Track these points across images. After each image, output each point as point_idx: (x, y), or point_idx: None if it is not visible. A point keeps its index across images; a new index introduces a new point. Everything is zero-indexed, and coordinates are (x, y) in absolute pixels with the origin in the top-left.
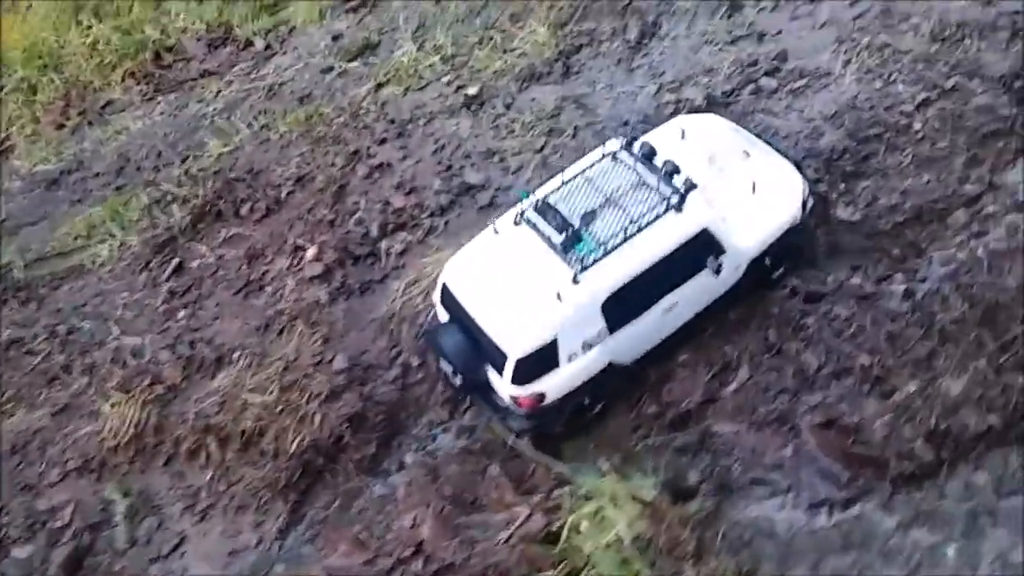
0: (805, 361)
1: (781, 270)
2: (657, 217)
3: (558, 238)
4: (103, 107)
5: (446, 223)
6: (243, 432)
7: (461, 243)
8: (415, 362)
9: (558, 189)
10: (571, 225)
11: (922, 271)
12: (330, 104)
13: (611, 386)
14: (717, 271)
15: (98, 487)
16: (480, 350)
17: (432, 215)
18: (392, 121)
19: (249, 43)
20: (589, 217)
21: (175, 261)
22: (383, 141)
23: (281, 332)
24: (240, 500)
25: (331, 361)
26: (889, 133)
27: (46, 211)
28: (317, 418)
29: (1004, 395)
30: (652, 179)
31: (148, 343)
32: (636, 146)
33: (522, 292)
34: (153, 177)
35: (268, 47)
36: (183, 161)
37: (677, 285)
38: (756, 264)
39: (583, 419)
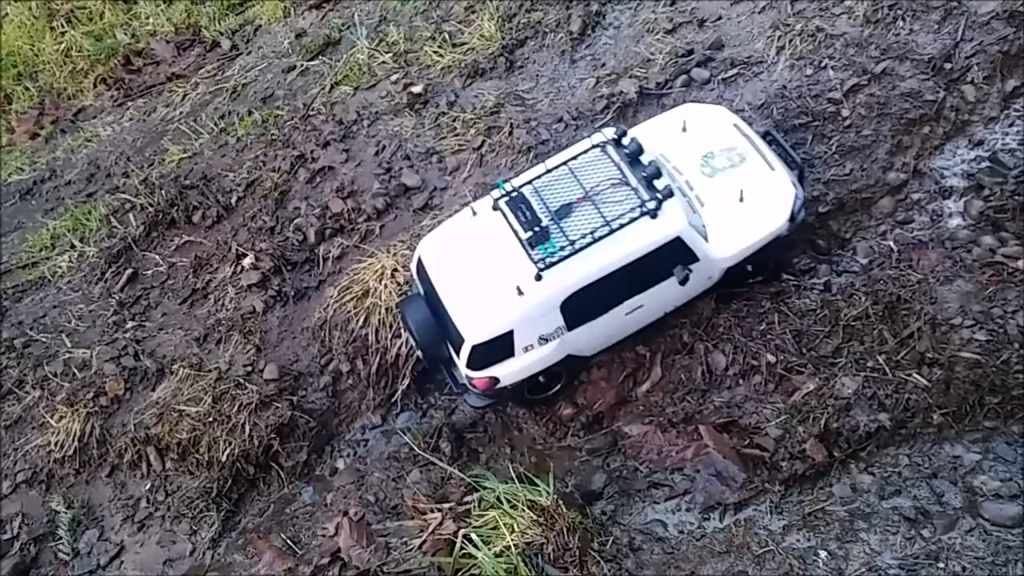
0: (714, 361)
1: (759, 278)
2: (630, 221)
3: (524, 234)
4: (75, 114)
5: (381, 227)
6: (179, 443)
7: (394, 246)
8: (346, 368)
9: (538, 178)
10: (539, 222)
11: (844, 263)
12: (288, 105)
13: (570, 370)
14: (683, 281)
15: (46, 498)
16: (443, 327)
17: (368, 219)
18: (340, 122)
19: (216, 44)
20: (562, 212)
21: (128, 271)
22: (327, 144)
23: (219, 342)
24: (176, 510)
25: (262, 370)
26: (817, 122)
27: (20, 221)
28: (247, 428)
29: (897, 393)
30: (633, 180)
31: (96, 355)
32: (626, 140)
33: (487, 279)
34: (120, 184)
35: (234, 47)
36: (145, 168)
37: (643, 290)
38: (732, 271)
39: (540, 396)
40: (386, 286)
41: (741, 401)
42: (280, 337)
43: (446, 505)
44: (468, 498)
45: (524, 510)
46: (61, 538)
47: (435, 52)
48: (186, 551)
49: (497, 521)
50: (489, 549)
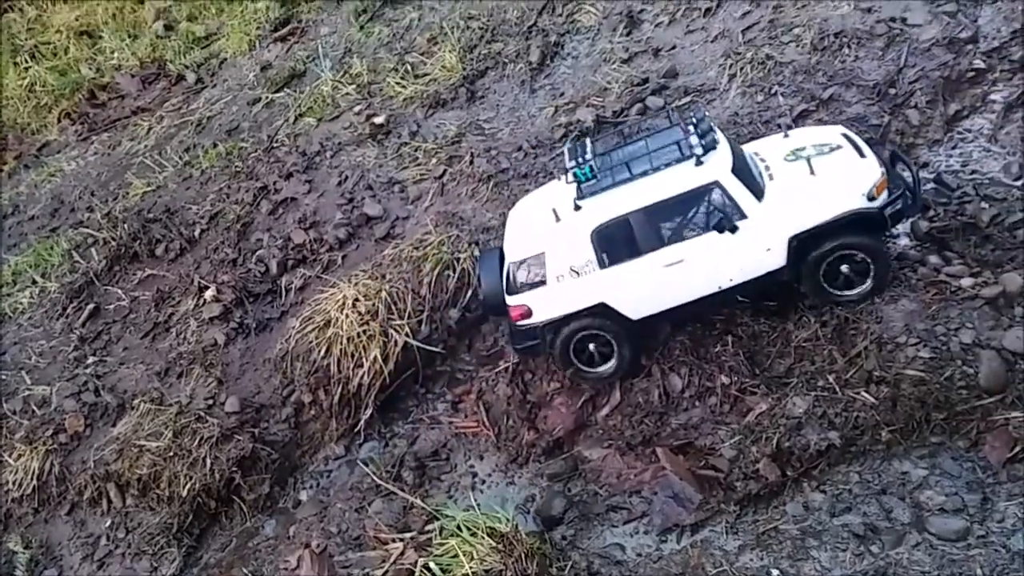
0: (671, 383)
1: (864, 283)
2: (672, 163)
3: (569, 163)
4: (40, 149)
5: (344, 257)
6: (139, 478)
7: (356, 276)
8: (308, 399)
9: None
10: (586, 154)
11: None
12: (253, 137)
13: (621, 342)
14: (723, 227)
15: (3, 538)
16: (502, 273)
17: (331, 249)
18: (303, 154)
19: (181, 77)
20: (615, 157)
21: (90, 306)
22: (290, 175)
23: (180, 375)
24: (137, 547)
25: (223, 403)
26: None
27: None
28: (208, 461)
29: (846, 411)
30: (685, 136)
31: (56, 392)
32: (695, 114)
33: (539, 216)
34: (84, 219)
35: (199, 80)
36: (109, 202)
37: (683, 238)
38: (806, 256)
39: (592, 373)
40: (347, 316)
41: (698, 423)
42: (242, 369)
43: (408, 535)
44: (429, 527)
45: (484, 537)
46: None
47: (398, 83)
48: None
49: (456, 549)
50: None
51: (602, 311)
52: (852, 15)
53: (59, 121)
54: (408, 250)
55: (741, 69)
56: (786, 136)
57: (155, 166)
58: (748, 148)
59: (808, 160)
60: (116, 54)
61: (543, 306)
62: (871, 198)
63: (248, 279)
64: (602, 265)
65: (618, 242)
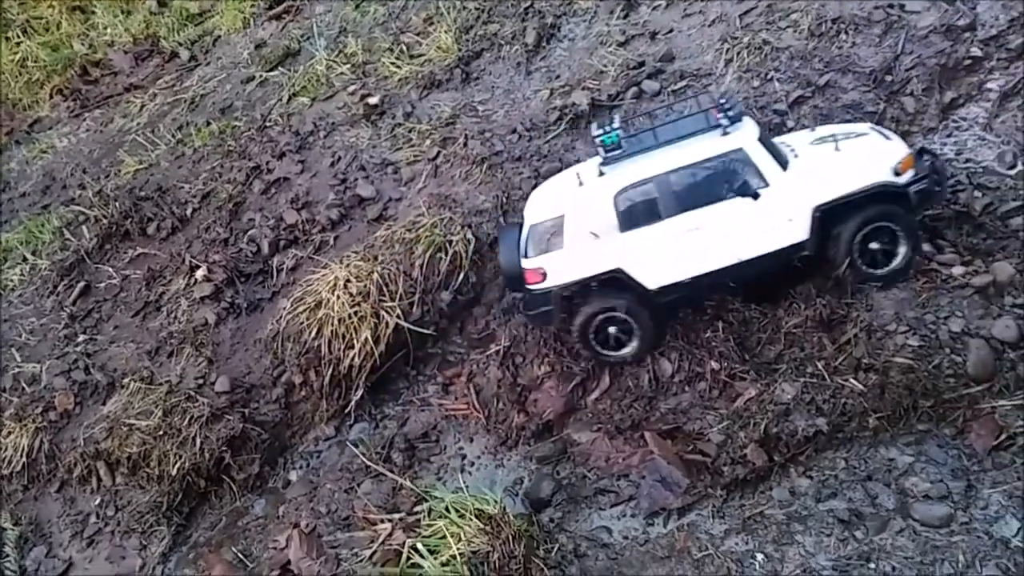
0: (661, 368)
1: (898, 257)
2: (698, 132)
3: (597, 132)
4: (31, 125)
5: (336, 238)
6: (129, 457)
7: (348, 257)
8: (298, 380)
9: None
10: (613, 123)
11: None
12: (246, 116)
13: (640, 321)
14: (743, 190)
15: None
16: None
17: (323, 230)
18: (296, 133)
19: (174, 55)
20: (639, 125)
21: (81, 284)
22: (283, 155)
23: (171, 355)
24: (126, 524)
25: (214, 383)
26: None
27: None
28: (197, 441)
29: (834, 398)
30: (713, 111)
31: (46, 369)
32: (724, 99)
33: (562, 185)
34: (76, 196)
35: (193, 58)
36: (101, 179)
37: (704, 203)
38: (831, 232)
39: (612, 355)
40: (339, 297)
41: (687, 407)
42: (232, 349)
43: (396, 515)
44: (418, 508)
45: (472, 519)
46: (7, 556)
47: (392, 63)
48: (136, 566)
49: (444, 531)
50: (436, 559)
51: (618, 280)
52: (849, 2)
53: (51, 97)
54: (401, 232)
55: (738, 54)
56: (812, 130)
57: (147, 144)
58: (775, 140)
59: (834, 141)
60: (109, 30)
61: (559, 269)
62: (897, 173)
63: (240, 259)
64: (621, 229)
65: (639, 206)
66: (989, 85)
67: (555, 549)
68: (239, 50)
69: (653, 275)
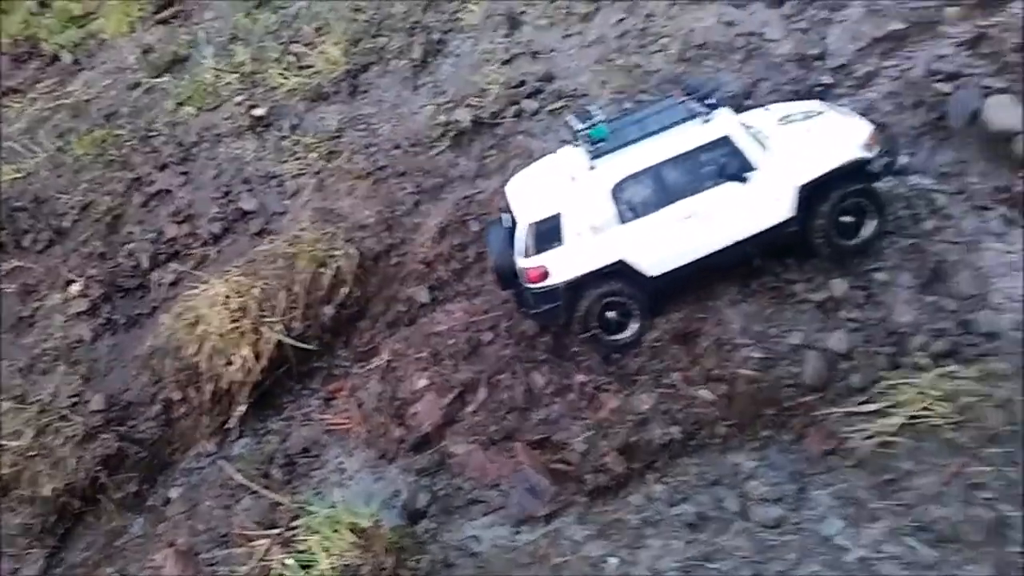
0: (533, 380)
1: (866, 227)
2: (682, 121)
3: (580, 126)
4: None
5: (218, 252)
6: (1, 478)
7: (229, 272)
8: (178, 396)
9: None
10: (593, 116)
11: None
12: (130, 124)
13: (639, 303)
14: (735, 175)
15: None
16: (511, 241)
17: (204, 244)
18: (180, 144)
19: (56, 58)
20: (621, 119)
21: None
22: (165, 166)
23: (44, 372)
24: None
25: (88, 401)
26: None
27: None
28: (71, 461)
29: (688, 408)
30: (690, 103)
31: None
32: (694, 86)
33: (550, 180)
34: None
35: (76, 62)
36: None
37: (696, 191)
38: (818, 206)
39: (613, 341)
40: (218, 313)
41: (556, 418)
42: (109, 366)
43: (274, 531)
44: (295, 523)
45: (345, 533)
46: None
47: (281, 74)
48: None
49: (317, 546)
50: (308, 573)
51: (620, 270)
52: (716, 28)
53: None
54: (283, 247)
55: (612, 76)
56: (767, 109)
57: (25, 151)
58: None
59: (801, 121)
60: None
61: (561, 266)
62: (866, 148)
63: (118, 273)
64: (620, 221)
65: (635, 198)
66: None
67: (426, 560)
68: (125, 54)
69: (653, 263)
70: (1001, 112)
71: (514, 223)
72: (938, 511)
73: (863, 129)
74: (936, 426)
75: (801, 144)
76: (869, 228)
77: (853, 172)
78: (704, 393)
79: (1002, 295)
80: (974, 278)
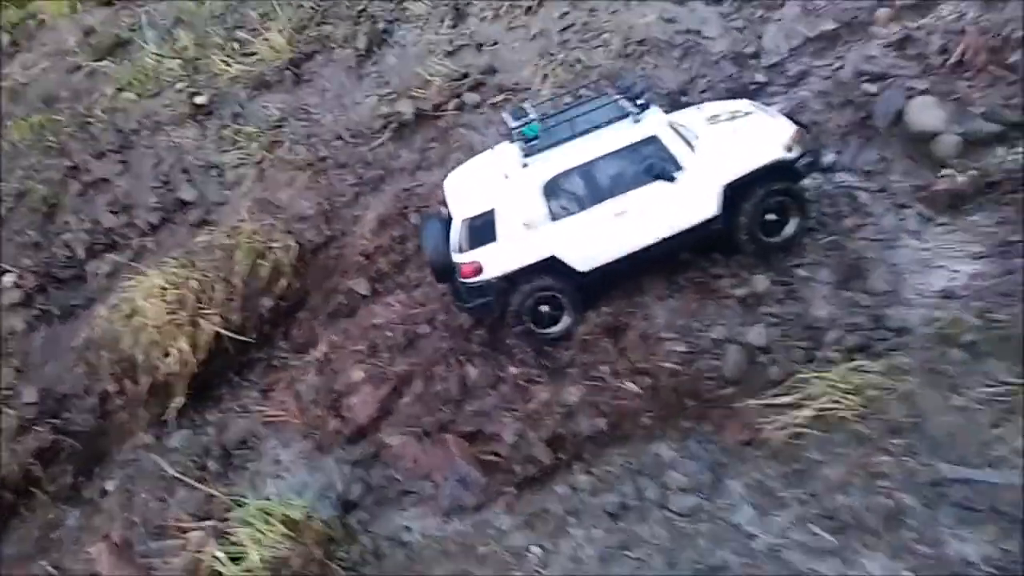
0: (467, 372)
1: (790, 224)
2: (613, 120)
3: (514, 124)
4: None
5: (156, 243)
6: None
7: (167, 263)
8: (114, 388)
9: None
10: (529, 115)
11: None
12: (69, 110)
13: (571, 298)
14: (662, 174)
15: None
16: (447, 236)
17: (142, 234)
18: (120, 131)
19: None
20: (554, 117)
21: None
22: (103, 155)
23: None
24: None
25: (22, 394)
26: None
27: None
28: (4, 454)
29: (614, 399)
30: (622, 101)
31: None
32: (628, 84)
33: (484, 177)
34: None
35: (14, 43)
36: None
37: (626, 189)
38: (738, 206)
39: (547, 332)
40: (155, 304)
41: (489, 410)
42: (44, 358)
43: (208, 523)
44: (230, 515)
45: (277, 525)
46: None
47: (224, 61)
48: None
49: (248, 538)
50: (237, 565)
51: (552, 265)
52: (656, 24)
53: None
54: (222, 237)
55: (553, 70)
56: (699, 108)
57: None
58: (668, 117)
59: (728, 121)
60: None
61: (495, 261)
62: (788, 149)
63: (53, 264)
64: (552, 218)
65: (567, 196)
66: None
67: (356, 551)
68: (66, 36)
69: (584, 259)
70: (923, 113)
71: (451, 217)
72: (842, 500)
73: (786, 129)
74: (844, 418)
75: (727, 144)
76: (792, 226)
77: (777, 171)
78: (630, 385)
79: (914, 291)
80: (889, 275)
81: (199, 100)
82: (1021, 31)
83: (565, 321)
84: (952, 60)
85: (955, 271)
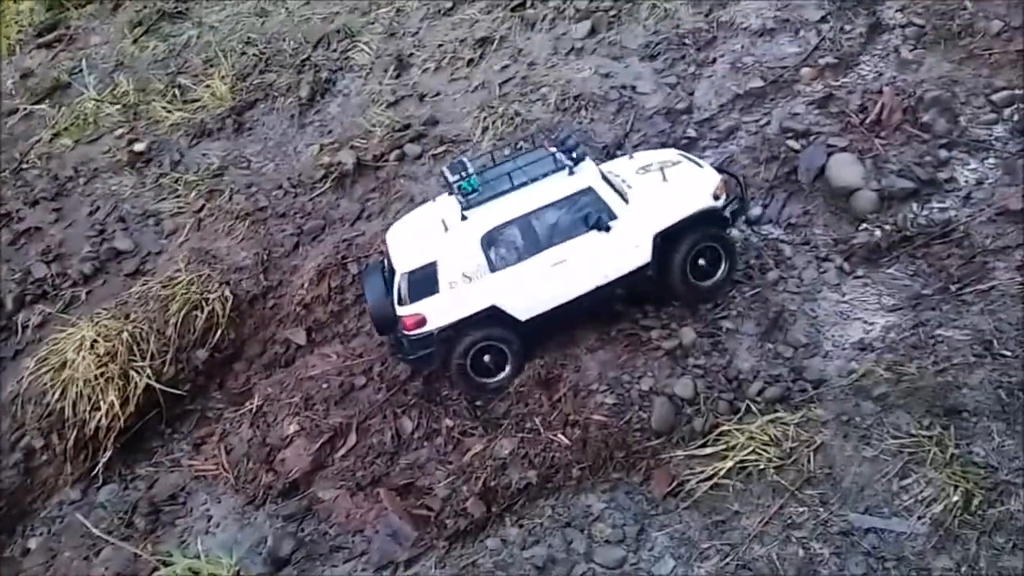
0: (402, 425)
1: (719, 270)
2: (549, 173)
3: (453, 178)
4: None
5: (88, 293)
6: None
7: (98, 315)
8: (39, 443)
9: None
10: (467, 169)
11: None
12: (4, 154)
13: (513, 347)
14: (598, 224)
15: None
16: (389, 287)
17: (74, 285)
18: (55, 178)
19: None
20: (492, 172)
21: None
22: (36, 202)
23: None
24: None
25: None
26: None
27: None
28: None
29: (545, 451)
30: (557, 153)
31: None
32: (563, 137)
33: (425, 229)
34: None
35: None
36: None
37: (563, 239)
38: (668, 254)
39: (490, 381)
40: (84, 357)
41: (423, 463)
42: None
43: None
44: (156, 575)
45: None
46: None
47: (164, 107)
48: None
49: None
50: None
51: (494, 315)
52: (592, 79)
53: None
54: (156, 288)
55: (493, 123)
56: (631, 158)
57: None
58: (601, 167)
59: (659, 171)
60: None
61: (437, 313)
62: (716, 197)
63: None
64: (492, 269)
65: (505, 247)
66: None
67: None
68: (3, 78)
69: (524, 307)
70: (843, 169)
71: (392, 269)
72: (758, 550)
73: (712, 179)
74: (762, 469)
75: (657, 194)
76: (720, 272)
77: (705, 219)
78: (561, 437)
79: (832, 343)
80: (809, 327)
81: (138, 147)
82: (933, 92)
83: (507, 370)
84: (870, 119)
85: (870, 324)
